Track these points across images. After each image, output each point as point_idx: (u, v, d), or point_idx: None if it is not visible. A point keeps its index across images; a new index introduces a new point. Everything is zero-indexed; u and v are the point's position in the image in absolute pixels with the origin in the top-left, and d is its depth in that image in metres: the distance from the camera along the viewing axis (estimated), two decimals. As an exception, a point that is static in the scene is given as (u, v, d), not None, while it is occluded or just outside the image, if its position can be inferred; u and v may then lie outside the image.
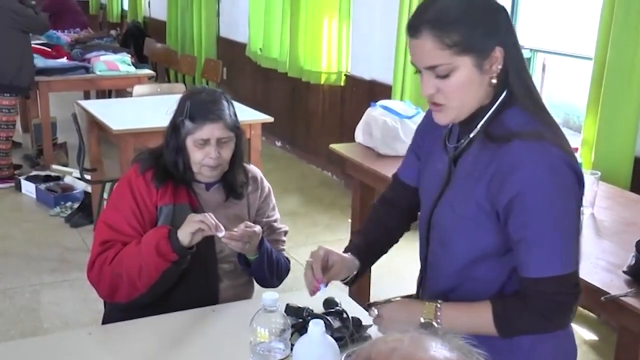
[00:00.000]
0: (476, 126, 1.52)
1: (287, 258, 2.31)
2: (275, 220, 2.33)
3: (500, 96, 1.50)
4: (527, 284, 1.47)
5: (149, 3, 10.11)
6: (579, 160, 2.73)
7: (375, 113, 3.54)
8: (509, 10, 4.09)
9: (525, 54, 4.26)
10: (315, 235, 4.76)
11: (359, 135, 3.62)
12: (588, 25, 3.77)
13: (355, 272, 1.77)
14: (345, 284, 1.80)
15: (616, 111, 3.41)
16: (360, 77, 5.53)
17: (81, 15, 9.44)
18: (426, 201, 1.67)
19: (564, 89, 5.10)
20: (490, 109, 1.51)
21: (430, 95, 1.50)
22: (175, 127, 2.14)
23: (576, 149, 2.77)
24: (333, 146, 3.71)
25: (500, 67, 1.46)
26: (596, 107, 3.52)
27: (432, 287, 1.68)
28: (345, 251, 1.79)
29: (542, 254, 1.44)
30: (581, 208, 1.51)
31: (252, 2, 6.83)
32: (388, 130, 3.41)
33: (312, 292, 1.65)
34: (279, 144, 6.83)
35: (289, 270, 2.30)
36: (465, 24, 1.43)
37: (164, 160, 2.16)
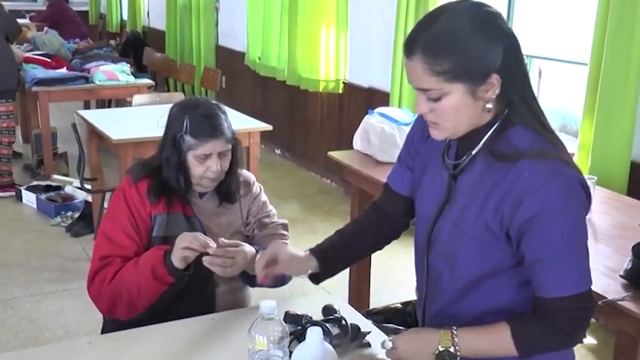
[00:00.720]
0: (478, 143, 1.51)
1: None
2: (266, 216, 2.32)
3: (502, 114, 1.49)
4: (547, 304, 1.47)
5: (148, 13, 10.14)
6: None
7: (372, 120, 3.55)
8: (504, 16, 4.08)
9: (522, 60, 4.32)
10: (314, 241, 4.72)
11: (357, 142, 3.62)
12: (583, 31, 3.78)
13: (309, 271, 1.83)
14: (311, 279, 1.87)
15: (612, 116, 3.42)
16: (358, 85, 5.53)
17: (81, 25, 9.47)
18: (424, 215, 1.66)
19: (561, 95, 5.10)
20: (492, 126, 1.49)
21: (424, 114, 1.50)
22: (175, 143, 2.12)
23: (573, 154, 2.78)
24: (331, 153, 3.71)
25: (497, 92, 1.44)
26: (592, 112, 3.52)
27: (434, 299, 1.67)
28: (309, 250, 1.85)
29: (562, 274, 1.45)
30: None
31: (250, 11, 6.85)
32: (386, 137, 3.41)
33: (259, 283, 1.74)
34: (278, 151, 6.83)
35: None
36: (458, 53, 1.40)
37: (165, 175, 2.15)
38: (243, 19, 7.07)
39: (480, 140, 1.50)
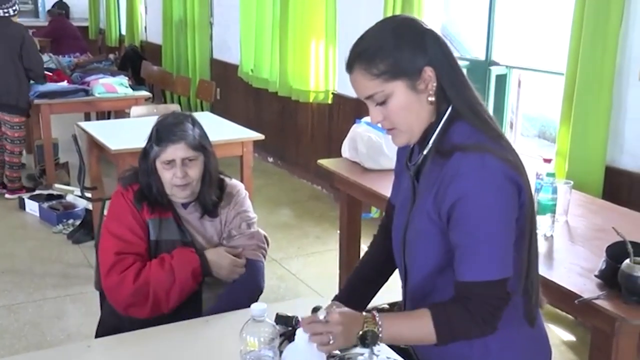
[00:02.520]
0: (428, 143, 1.54)
1: (258, 266, 2.30)
2: (238, 226, 2.29)
3: (445, 112, 1.52)
4: (462, 287, 1.48)
5: (145, 28, 10.14)
6: (553, 169, 2.76)
7: (360, 129, 3.56)
8: (483, 29, 4.07)
9: (501, 70, 4.37)
10: (306, 246, 4.76)
11: (346, 150, 3.64)
12: (560, 42, 3.81)
13: None
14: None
15: (587, 123, 3.44)
16: (346, 95, 5.54)
17: (81, 40, 9.47)
18: (399, 221, 1.68)
19: (539, 103, 5.14)
20: (437, 125, 1.52)
21: (379, 123, 1.54)
22: (145, 152, 2.19)
23: (550, 160, 2.80)
24: (321, 161, 3.72)
25: (434, 84, 1.48)
26: (568, 119, 3.55)
27: (410, 298, 1.68)
28: (335, 299, 1.80)
29: (476, 260, 1.46)
30: (526, 215, 1.51)
31: (243, 25, 6.86)
32: (373, 146, 3.42)
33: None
34: (270, 159, 6.84)
35: (258, 288, 2.31)
36: (389, 52, 1.47)
37: (141, 183, 2.20)
38: (236, 33, 7.07)
39: (430, 139, 1.54)
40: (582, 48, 3.42)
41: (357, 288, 1.85)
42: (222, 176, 2.32)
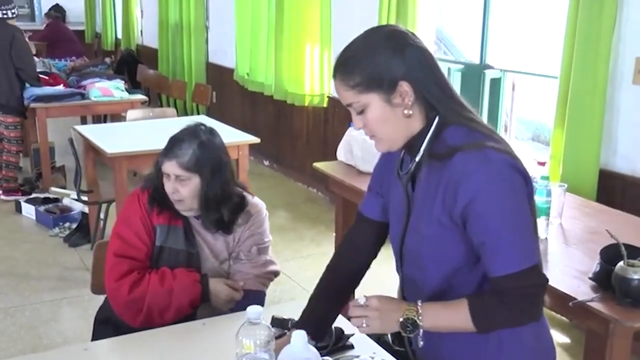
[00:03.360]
0: (419, 150, 1.55)
1: (258, 298, 2.22)
2: (248, 250, 2.24)
3: (434, 120, 1.53)
4: (495, 283, 1.49)
5: (141, 32, 10.13)
6: (547, 172, 2.76)
7: (355, 132, 3.56)
8: (478, 32, 4.08)
9: (496, 74, 4.38)
10: (302, 249, 4.76)
11: (341, 153, 3.64)
12: (554, 46, 3.82)
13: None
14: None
15: (581, 127, 3.45)
16: (341, 99, 5.55)
17: (77, 44, 9.46)
18: (395, 232, 1.69)
19: (534, 106, 5.15)
20: (426, 133, 1.54)
21: (360, 129, 1.57)
22: (157, 159, 2.21)
23: (544, 163, 2.81)
24: (316, 164, 3.72)
25: (412, 98, 1.50)
26: (563, 123, 3.56)
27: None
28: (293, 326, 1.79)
29: (502, 254, 1.47)
30: (533, 201, 1.54)
31: (239, 29, 6.86)
32: (367, 149, 3.42)
33: None
34: (266, 163, 6.84)
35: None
36: (365, 67, 1.50)
37: (153, 187, 2.22)
38: (232, 37, 7.07)
39: (421, 147, 1.55)
40: (575, 52, 3.43)
41: (319, 314, 1.82)
42: (245, 193, 2.28)
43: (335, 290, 1.86)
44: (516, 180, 1.48)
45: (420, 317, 1.50)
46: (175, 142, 2.16)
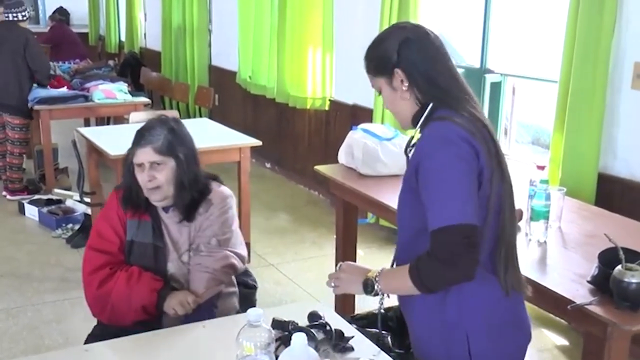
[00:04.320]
0: (416, 129, 1.80)
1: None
2: (208, 242, 2.25)
3: (427, 105, 1.74)
4: (430, 237, 1.62)
5: (144, 34, 10.15)
6: (546, 176, 2.76)
7: (356, 136, 3.56)
8: (478, 37, 4.07)
9: (496, 78, 4.38)
10: (303, 251, 4.76)
11: (342, 156, 3.64)
12: (554, 50, 3.82)
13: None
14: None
15: (580, 131, 3.45)
16: (343, 102, 5.56)
17: (80, 46, 9.47)
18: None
19: (534, 110, 5.16)
20: (421, 114, 1.75)
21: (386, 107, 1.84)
22: (126, 155, 2.25)
23: (543, 167, 2.81)
24: (318, 167, 3.72)
25: (407, 84, 1.74)
26: (562, 127, 3.56)
27: (399, 253, 1.85)
28: None
29: (437, 210, 1.61)
30: (480, 175, 1.66)
31: (241, 32, 6.87)
32: (368, 152, 3.43)
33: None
34: (268, 165, 6.84)
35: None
36: (373, 55, 1.79)
37: (126, 185, 2.27)
38: (234, 40, 7.08)
39: (417, 126, 1.78)
40: (575, 56, 3.43)
41: None
42: (211, 181, 2.32)
43: None
44: (461, 147, 1.62)
45: (377, 280, 1.73)
46: (145, 131, 2.21)
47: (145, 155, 2.16)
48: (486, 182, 1.66)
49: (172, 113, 5.52)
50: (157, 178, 2.16)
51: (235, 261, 2.28)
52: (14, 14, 5.66)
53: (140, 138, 2.19)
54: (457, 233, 1.58)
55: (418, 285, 1.64)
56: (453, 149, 1.62)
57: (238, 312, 2.34)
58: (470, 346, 1.72)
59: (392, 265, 1.87)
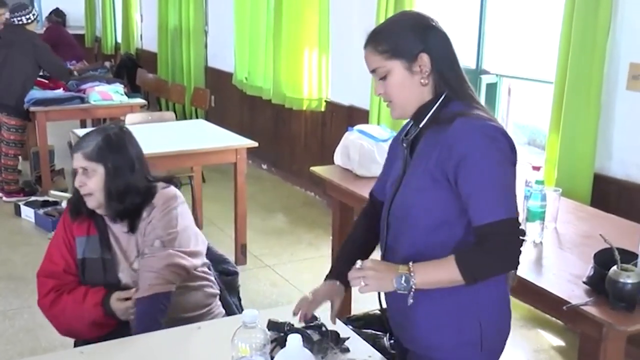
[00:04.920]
0: (424, 118, 1.74)
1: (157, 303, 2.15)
2: (157, 244, 2.19)
3: (442, 93, 1.72)
4: (479, 230, 1.63)
5: (141, 36, 10.14)
6: (542, 177, 2.77)
7: (352, 137, 3.57)
8: (474, 38, 4.08)
9: (492, 79, 4.38)
10: (299, 252, 4.76)
11: (338, 157, 3.64)
12: (549, 51, 3.83)
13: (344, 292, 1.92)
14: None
15: (576, 131, 3.45)
16: (339, 103, 5.56)
17: (77, 48, 9.45)
18: (389, 194, 1.84)
19: (529, 111, 5.16)
20: (434, 104, 1.73)
21: (380, 95, 1.76)
22: None
23: (539, 168, 2.81)
24: (314, 168, 3.72)
25: (428, 70, 1.70)
26: (558, 127, 3.56)
27: (393, 253, 1.80)
28: (327, 278, 1.93)
29: (487, 204, 1.62)
30: (516, 168, 1.69)
31: (238, 34, 6.87)
32: (364, 153, 3.43)
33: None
34: (264, 166, 6.84)
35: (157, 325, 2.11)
36: (395, 35, 1.72)
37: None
38: (231, 42, 7.08)
39: (427, 115, 1.73)
40: (570, 57, 3.44)
41: (345, 266, 1.89)
42: (160, 184, 2.27)
43: (358, 246, 2.00)
44: (505, 147, 1.65)
45: (412, 274, 1.63)
46: (82, 137, 2.22)
47: (77, 160, 2.17)
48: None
49: (169, 115, 5.53)
50: (87, 184, 2.14)
51: (183, 260, 2.19)
52: (19, 18, 5.74)
53: (76, 144, 2.22)
54: (510, 226, 1.62)
55: (468, 277, 1.62)
56: (499, 145, 1.64)
57: (208, 306, 2.33)
58: (482, 331, 1.74)
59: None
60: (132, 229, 2.21)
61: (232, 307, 2.45)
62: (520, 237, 1.64)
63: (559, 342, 3.58)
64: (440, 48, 1.72)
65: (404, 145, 1.80)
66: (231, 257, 4.48)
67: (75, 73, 6.59)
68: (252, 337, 1.54)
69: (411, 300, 1.64)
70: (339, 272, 1.88)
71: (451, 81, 1.72)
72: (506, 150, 1.65)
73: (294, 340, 1.51)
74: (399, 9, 4.50)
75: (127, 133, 2.29)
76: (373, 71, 1.75)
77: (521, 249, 1.65)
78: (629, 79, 3.34)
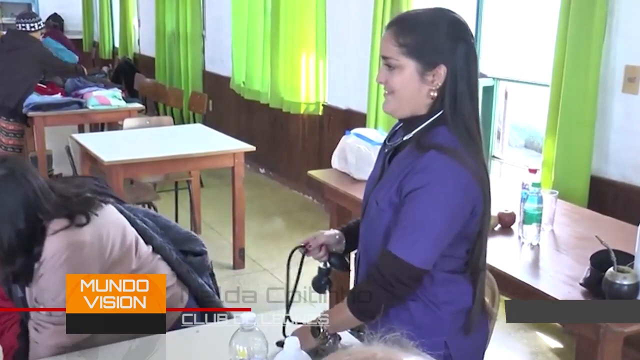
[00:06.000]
0: (412, 131, 1.64)
1: None
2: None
3: (437, 112, 1.61)
4: (381, 254, 1.62)
5: (138, 40, 10.14)
6: (539, 179, 2.77)
7: (349, 140, 3.57)
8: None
9: (488, 82, 4.39)
10: (297, 256, 4.74)
11: (335, 161, 3.65)
12: (546, 54, 3.84)
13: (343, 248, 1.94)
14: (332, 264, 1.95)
15: (573, 134, 3.46)
16: (336, 107, 5.57)
17: (75, 52, 9.45)
18: (364, 197, 1.79)
19: (526, 114, 5.17)
20: (426, 120, 1.62)
21: (382, 83, 1.66)
22: None
23: (535, 170, 2.82)
24: (311, 172, 3.73)
25: (440, 83, 1.59)
26: (554, 130, 3.57)
27: (363, 262, 1.79)
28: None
29: (403, 238, 1.58)
30: (471, 220, 1.61)
31: (235, 38, 6.88)
32: (362, 157, 3.43)
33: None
34: (262, 170, 6.84)
35: None
36: (421, 34, 1.59)
37: None
38: (228, 46, 7.09)
39: (415, 129, 1.64)
40: (566, 60, 3.45)
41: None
42: (47, 225, 1.89)
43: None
44: (461, 199, 1.57)
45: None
46: None
47: None
48: (476, 222, 1.62)
49: (167, 119, 5.53)
50: None
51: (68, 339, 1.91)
52: (23, 25, 5.80)
53: None
54: (410, 273, 1.58)
55: (359, 314, 1.64)
56: (454, 198, 1.56)
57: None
58: (450, 349, 1.68)
59: (356, 270, 1.87)
60: (29, 282, 1.93)
61: (204, 287, 2.28)
62: (415, 286, 1.61)
63: (557, 344, 3.58)
64: (462, 64, 1.58)
65: (386, 150, 1.74)
66: (229, 261, 4.54)
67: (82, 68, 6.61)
68: (250, 340, 1.54)
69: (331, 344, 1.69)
70: (345, 230, 1.93)
71: (458, 102, 1.59)
72: (461, 203, 1.57)
73: (292, 343, 1.51)
74: (395, 13, 4.51)
75: (11, 177, 1.87)
76: (384, 57, 1.63)
77: (412, 292, 1.63)
78: (624, 82, 3.36)
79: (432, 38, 1.58)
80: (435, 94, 1.60)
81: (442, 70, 1.57)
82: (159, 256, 2.19)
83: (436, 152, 1.56)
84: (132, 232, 2.11)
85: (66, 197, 1.96)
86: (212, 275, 2.44)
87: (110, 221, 2.03)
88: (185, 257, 2.29)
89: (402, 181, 1.60)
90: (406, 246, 1.57)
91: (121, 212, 2.14)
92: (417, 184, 1.56)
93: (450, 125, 1.59)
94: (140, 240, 2.13)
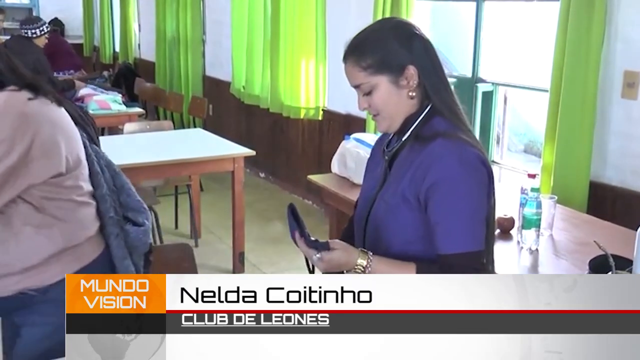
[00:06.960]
0: (407, 131, 1.68)
1: None
2: None
3: (427, 107, 1.67)
4: (444, 260, 1.60)
5: (139, 45, 10.16)
6: (538, 184, 2.78)
7: (349, 145, 3.58)
8: (470, 47, 4.09)
9: (487, 87, 4.40)
10: (297, 260, 4.75)
11: (335, 166, 3.66)
12: (545, 59, 3.85)
13: None
14: None
15: (572, 139, 3.47)
16: (336, 112, 5.58)
17: (75, 57, 9.46)
18: (363, 203, 1.80)
19: (526, 119, 5.19)
20: (419, 117, 1.67)
21: (365, 109, 1.70)
22: None
23: (534, 175, 2.83)
24: (311, 177, 3.74)
25: (416, 82, 1.64)
26: (553, 135, 3.58)
27: None
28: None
29: (455, 234, 1.59)
30: (493, 198, 1.66)
31: (235, 43, 6.89)
32: (361, 161, 3.43)
33: None
34: (262, 175, 6.85)
35: None
36: (378, 51, 1.63)
37: None
38: (228, 51, 7.10)
39: (410, 129, 1.68)
40: (565, 65, 3.46)
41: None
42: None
43: None
44: (482, 175, 1.61)
45: (369, 269, 1.60)
46: None
47: None
48: (490, 204, 1.66)
49: (167, 124, 5.54)
50: None
51: None
52: (25, 31, 5.85)
53: None
54: (475, 259, 1.60)
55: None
56: (476, 174, 1.59)
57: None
58: None
59: None
60: None
61: (130, 268, 2.06)
62: (481, 270, 1.62)
63: (556, 349, 3.58)
64: (426, 58, 1.65)
65: (385, 157, 1.75)
66: (229, 266, 4.54)
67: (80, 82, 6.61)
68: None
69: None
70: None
71: (438, 94, 1.66)
72: (483, 180, 1.61)
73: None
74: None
75: None
76: (356, 87, 1.67)
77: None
78: (623, 87, 3.37)
79: (389, 47, 1.63)
80: (414, 93, 1.65)
81: (411, 69, 1.63)
82: (93, 204, 2.02)
83: (442, 139, 1.61)
84: (80, 160, 1.98)
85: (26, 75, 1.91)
86: (148, 261, 2.18)
87: (61, 125, 1.91)
88: (125, 223, 2.10)
89: (413, 177, 1.62)
90: (460, 239, 1.59)
91: (85, 146, 2.05)
92: (438, 176, 1.58)
93: (444, 114, 1.65)
94: (85, 177, 2.01)
